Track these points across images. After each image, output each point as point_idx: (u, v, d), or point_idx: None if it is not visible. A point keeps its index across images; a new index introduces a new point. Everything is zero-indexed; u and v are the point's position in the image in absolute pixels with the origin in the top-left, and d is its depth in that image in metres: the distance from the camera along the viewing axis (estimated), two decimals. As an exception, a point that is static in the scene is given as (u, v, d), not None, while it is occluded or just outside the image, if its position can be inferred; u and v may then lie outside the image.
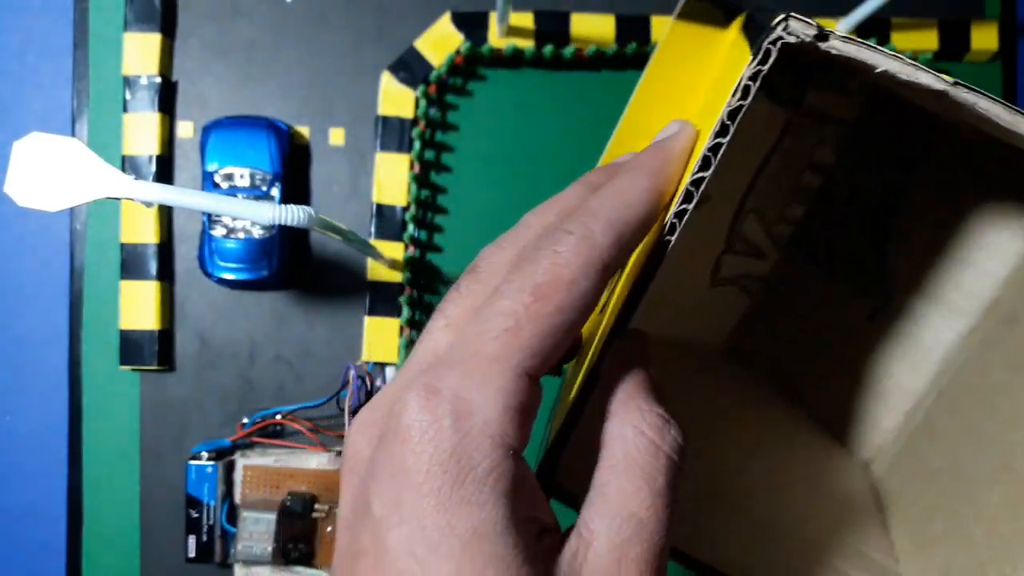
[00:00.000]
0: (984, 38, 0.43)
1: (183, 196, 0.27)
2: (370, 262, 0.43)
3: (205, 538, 0.41)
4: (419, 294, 0.43)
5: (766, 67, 0.19)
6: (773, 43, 0.19)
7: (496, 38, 0.43)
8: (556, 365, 0.23)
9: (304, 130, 0.43)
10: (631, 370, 0.21)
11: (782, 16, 0.20)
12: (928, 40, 0.43)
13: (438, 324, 0.21)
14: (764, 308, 0.39)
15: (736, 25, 0.27)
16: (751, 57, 0.20)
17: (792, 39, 0.19)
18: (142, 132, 0.42)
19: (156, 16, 0.42)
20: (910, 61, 0.20)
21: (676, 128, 0.22)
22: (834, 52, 0.20)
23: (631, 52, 0.42)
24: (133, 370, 0.43)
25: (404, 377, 0.20)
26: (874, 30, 0.43)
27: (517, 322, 0.18)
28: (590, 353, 0.22)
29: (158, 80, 0.42)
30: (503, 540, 0.17)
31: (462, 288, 0.21)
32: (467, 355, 0.18)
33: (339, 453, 0.41)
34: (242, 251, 0.41)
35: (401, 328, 0.42)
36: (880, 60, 0.19)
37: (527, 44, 0.42)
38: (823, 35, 0.20)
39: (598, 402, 0.21)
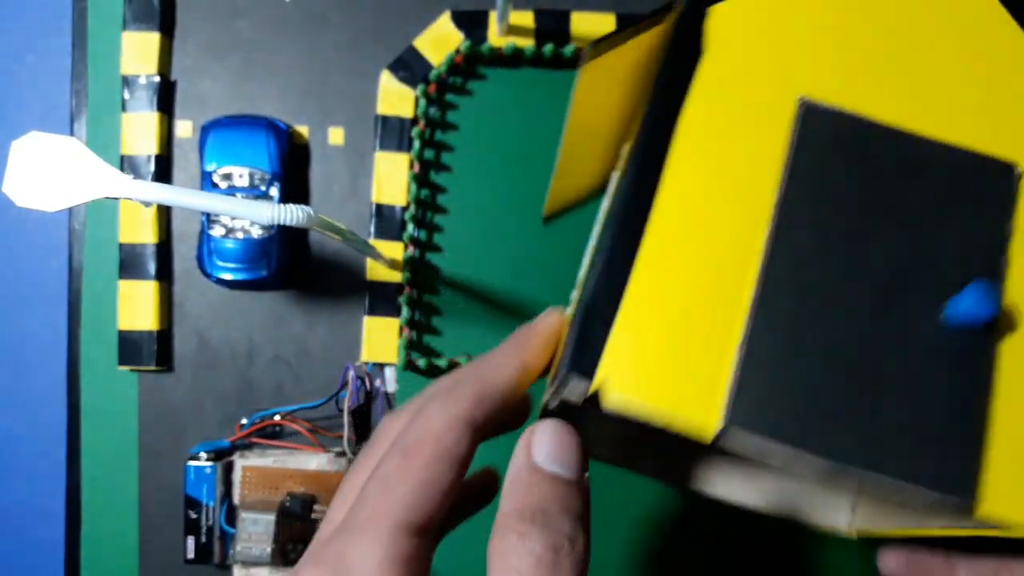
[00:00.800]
0: (985, 37, 0.43)
1: (182, 196, 0.27)
2: (369, 262, 0.43)
3: (204, 539, 0.41)
4: (419, 294, 0.43)
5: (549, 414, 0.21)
6: (553, 397, 0.20)
7: (496, 37, 0.43)
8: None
9: (303, 129, 0.43)
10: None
11: (567, 367, 0.20)
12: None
13: (338, 498, 0.23)
14: None
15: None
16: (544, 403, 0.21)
17: (565, 401, 0.20)
18: (141, 131, 0.42)
19: (155, 15, 0.42)
20: None
21: (546, 313, 0.25)
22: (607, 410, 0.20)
23: (631, 51, 0.42)
24: (131, 370, 0.43)
25: (307, 552, 0.22)
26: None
27: (388, 481, 0.20)
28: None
29: (157, 79, 0.42)
30: None
31: (359, 459, 0.23)
32: (350, 520, 0.20)
33: (338, 454, 0.41)
34: (241, 251, 0.41)
35: (401, 328, 0.42)
36: None
37: (527, 43, 0.42)
38: (594, 401, 0.20)
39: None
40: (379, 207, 0.42)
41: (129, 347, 0.42)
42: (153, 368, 0.42)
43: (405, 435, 0.21)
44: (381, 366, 0.43)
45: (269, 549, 0.40)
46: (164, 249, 0.43)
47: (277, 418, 0.42)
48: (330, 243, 0.43)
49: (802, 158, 0.22)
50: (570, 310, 0.25)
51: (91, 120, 0.43)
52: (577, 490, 0.20)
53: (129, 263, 0.42)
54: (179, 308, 0.43)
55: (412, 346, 0.42)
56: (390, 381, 0.43)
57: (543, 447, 0.21)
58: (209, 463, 0.41)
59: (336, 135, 0.43)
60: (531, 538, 0.19)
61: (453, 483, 0.20)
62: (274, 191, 0.41)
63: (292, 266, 0.42)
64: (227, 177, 0.41)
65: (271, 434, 0.43)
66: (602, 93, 0.30)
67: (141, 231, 0.42)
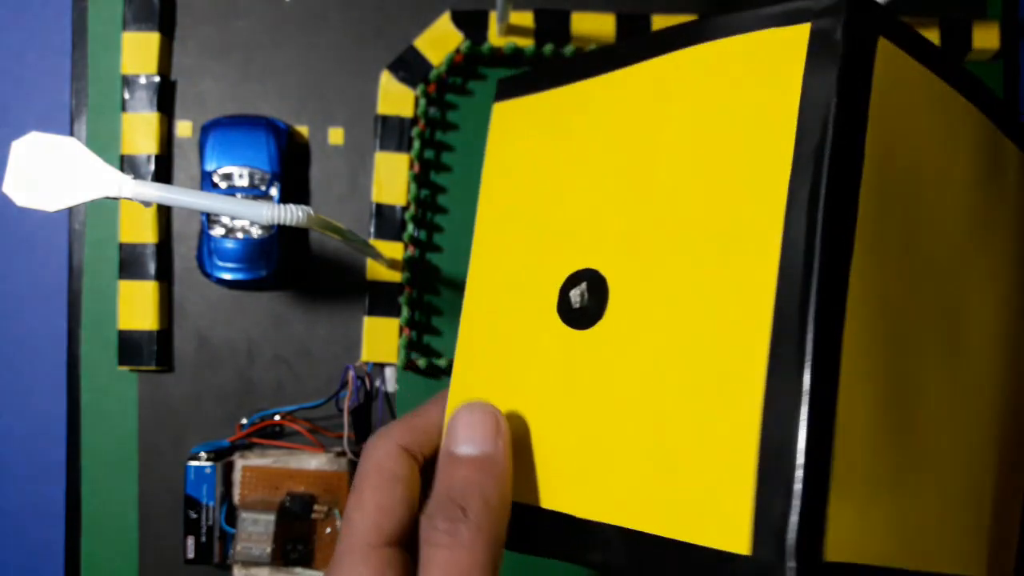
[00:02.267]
0: (986, 37, 0.43)
1: (181, 196, 0.27)
2: (369, 262, 0.43)
3: (204, 539, 0.41)
4: (419, 294, 0.43)
5: None
6: None
7: (496, 37, 0.43)
8: None
9: (303, 129, 0.43)
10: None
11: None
12: (930, 39, 0.43)
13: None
14: None
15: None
16: None
17: None
18: (141, 131, 0.42)
19: (155, 15, 0.42)
20: None
21: None
22: None
23: (631, 51, 0.42)
24: (131, 370, 0.42)
25: None
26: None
27: (349, 516, 0.23)
28: None
29: (157, 79, 0.42)
30: None
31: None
32: (331, 562, 0.23)
33: (338, 454, 0.41)
34: (241, 251, 0.41)
35: (401, 328, 0.42)
36: None
37: (527, 43, 0.42)
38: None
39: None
40: (379, 207, 0.42)
41: (129, 347, 0.42)
42: (153, 368, 0.42)
43: (356, 478, 0.24)
44: (381, 366, 0.43)
45: (269, 549, 0.40)
46: (164, 249, 0.43)
47: (277, 418, 0.42)
48: (330, 243, 0.43)
49: None
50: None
51: (91, 120, 0.43)
52: (488, 466, 0.22)
53: (129, 263, 0.42)
54: (179, 308, 0.43)
55: (412, 346, 0.42)
56: (390, 381, 0.43)
57: (455, 434, 0.23)
58: (209, 463, 0.41)
59: (336, 135, 0.43)
60: (439, 519, 0.21)
61: (403, 497, 0.23)
62: (274, 191, 0.41)
63: (292, 266, 0.42)
64: (227, 177, 0.41)
65: (271, 434, 0.43)
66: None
67: (141, 231, 0.42)
